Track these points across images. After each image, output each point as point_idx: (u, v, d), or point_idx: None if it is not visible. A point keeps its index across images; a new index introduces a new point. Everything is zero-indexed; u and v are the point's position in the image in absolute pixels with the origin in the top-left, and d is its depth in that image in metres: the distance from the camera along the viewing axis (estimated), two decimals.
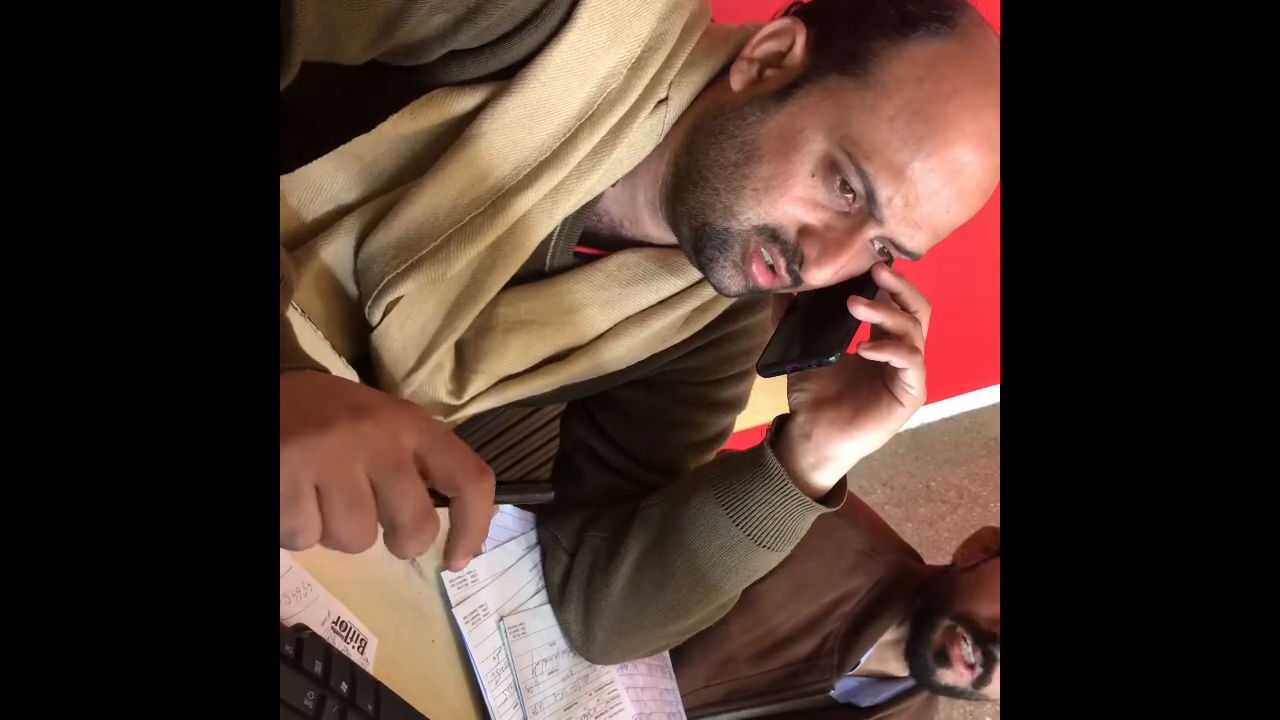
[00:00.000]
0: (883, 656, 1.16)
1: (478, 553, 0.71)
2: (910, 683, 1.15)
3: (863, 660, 1.15)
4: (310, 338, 0.61)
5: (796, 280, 0.62)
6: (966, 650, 1.05)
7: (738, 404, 0.83)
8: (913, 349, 0.63)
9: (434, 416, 0.72)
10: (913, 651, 1.10)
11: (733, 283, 0.64)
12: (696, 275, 0.71)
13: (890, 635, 1.15)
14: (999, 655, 1.02)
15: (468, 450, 0.45)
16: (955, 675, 1.07)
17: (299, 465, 0.39)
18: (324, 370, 0.46)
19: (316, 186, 0.60)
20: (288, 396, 0.40)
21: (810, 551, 1.14)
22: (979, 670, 1.05)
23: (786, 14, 0.64)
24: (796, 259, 0.61)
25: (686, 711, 0.92)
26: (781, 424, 0.70)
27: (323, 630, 0.50)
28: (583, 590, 0.76)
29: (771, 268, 0.62)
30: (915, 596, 1.15)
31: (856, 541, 1.18)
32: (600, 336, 0.72)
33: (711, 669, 1.12)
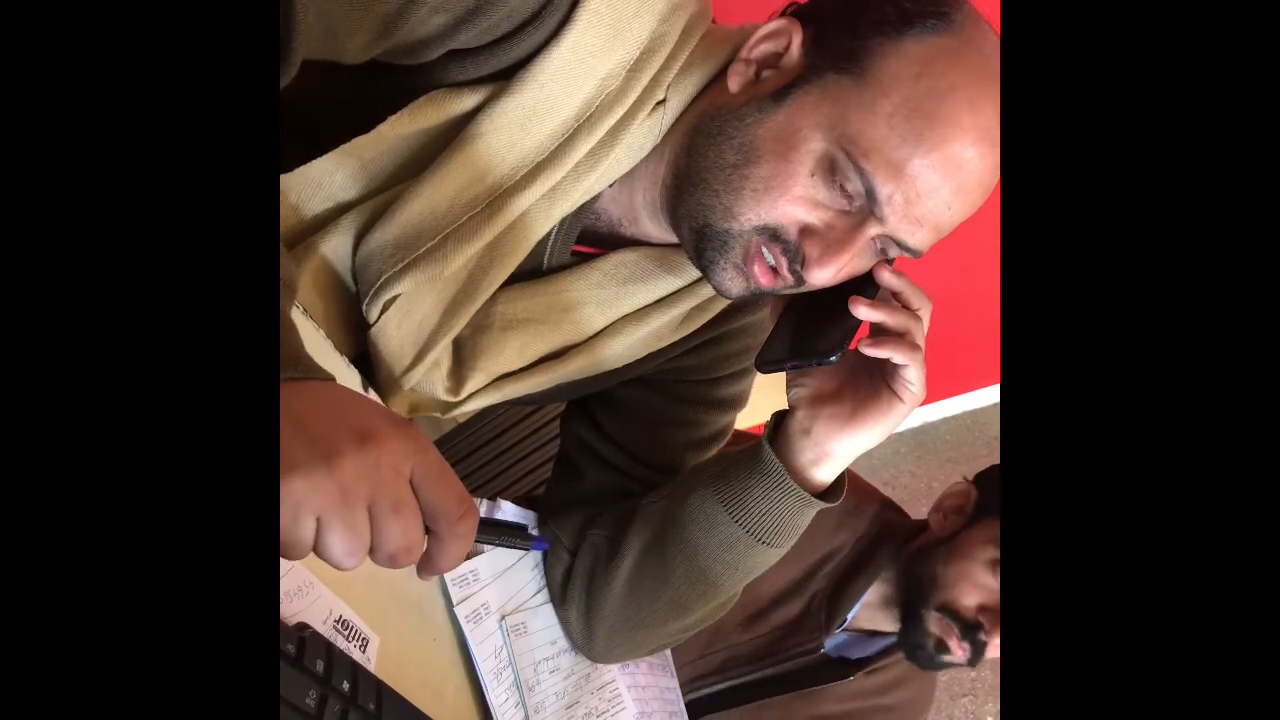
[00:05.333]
0: (872, 617, 1.19)
1: (473, 553, 0.71)
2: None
3: (850, 617, 1.16)
4: (312, 337, 0.61)
5: (799, 280, 0.62)
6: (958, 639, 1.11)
7: (737, 402, 0.83)
8: (914, 346, 0.63)
9: (433, 414, 0.72)
10: (914, 644, 1.13)
11: (733, 284, 0.64)
12: (694, 274, 0.71)
13: (874, 595, 1.17)
14: (984, 638, 1.09)
15: (458, 487, 0.46)
16: (956, 658, 1.12)
17: (303, 498, 0.39)
18: (329, 378, 0.46)
19: (315, 184, 0.61)
20: (294, 413, 0.40)
21: None
22: (971, 654, 1.10)
23: (783, 14, 0.64)
24: (798, 259, 0.61)
25: (682, 685, 0.93)
26: (780, 420, 0.69)
27: (324, 629, 0.50)
28: (584, 589, 0.76)
29: (773, 268, 0.62)
30: (898, 554, 1.16)
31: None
32: (597, 335, 0.72)
33: (703, 640, 1.13)
